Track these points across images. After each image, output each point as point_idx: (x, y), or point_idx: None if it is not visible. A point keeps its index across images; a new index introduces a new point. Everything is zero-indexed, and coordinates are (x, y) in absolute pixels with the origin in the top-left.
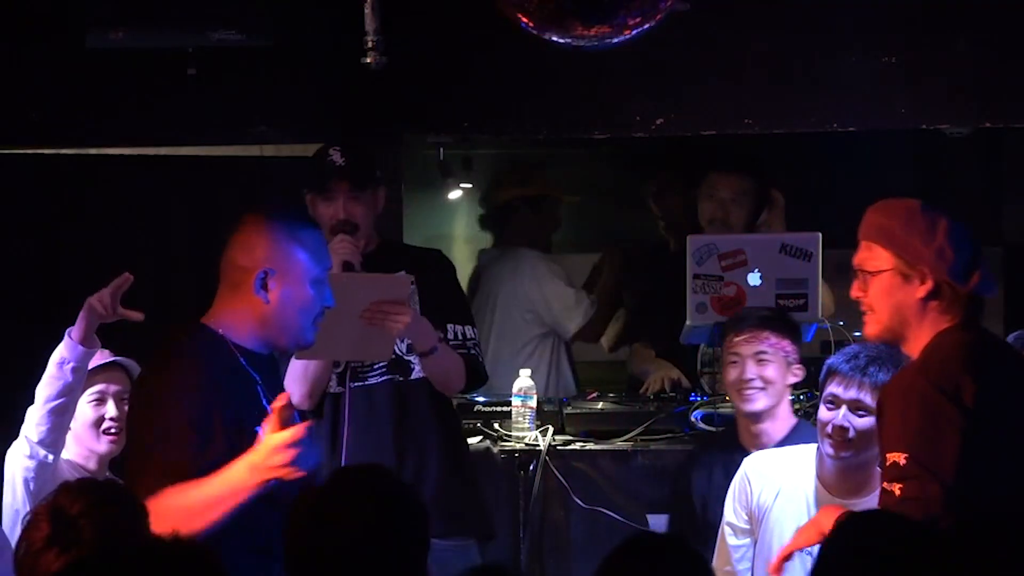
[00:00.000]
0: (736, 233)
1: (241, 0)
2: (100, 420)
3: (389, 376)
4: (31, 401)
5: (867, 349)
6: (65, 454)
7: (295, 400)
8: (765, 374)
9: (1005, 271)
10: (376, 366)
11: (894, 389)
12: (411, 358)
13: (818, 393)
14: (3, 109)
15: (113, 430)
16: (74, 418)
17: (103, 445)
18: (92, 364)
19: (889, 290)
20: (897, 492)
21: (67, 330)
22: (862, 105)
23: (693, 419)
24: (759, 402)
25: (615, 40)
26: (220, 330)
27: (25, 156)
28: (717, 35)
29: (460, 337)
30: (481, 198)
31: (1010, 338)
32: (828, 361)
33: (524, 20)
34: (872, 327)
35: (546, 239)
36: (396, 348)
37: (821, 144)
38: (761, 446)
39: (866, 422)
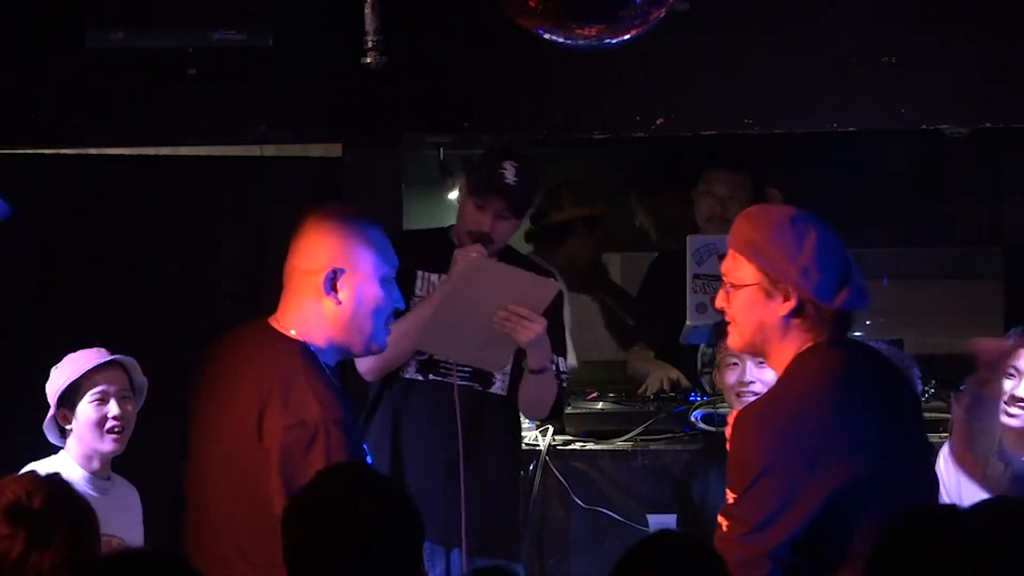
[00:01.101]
0: None
1: (241, 0)
2: (103, 419)
3: (470, 383)
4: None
5: None
6: (68, 455)
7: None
8: (765, 378)
9: (1005, 270)
10: (462, 368)
11: (742, 420)
12: (495, 374)
13: None
14: (2, 109)
15: (117, 428)
16: (76, 418)
17: (107, 444)
18: (91, 364)
19: (752, 305)
20: (724, 527)
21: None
22: (862, 105)
23: (693, 419)
24: None
25: (615, 40)
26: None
27: (25, 156)
28: (717, 35)
29: (557, 368)
30: (534, 215)
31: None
32: None
33: (526, 22)
34: (734, 340)
35: (597, 258)
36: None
37: (821, 144)
38: None
39: None
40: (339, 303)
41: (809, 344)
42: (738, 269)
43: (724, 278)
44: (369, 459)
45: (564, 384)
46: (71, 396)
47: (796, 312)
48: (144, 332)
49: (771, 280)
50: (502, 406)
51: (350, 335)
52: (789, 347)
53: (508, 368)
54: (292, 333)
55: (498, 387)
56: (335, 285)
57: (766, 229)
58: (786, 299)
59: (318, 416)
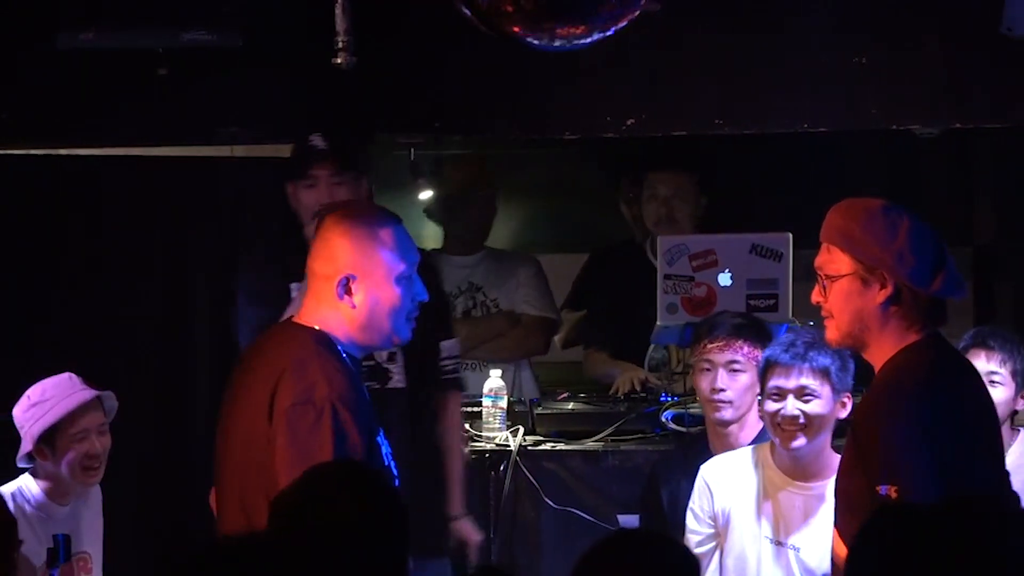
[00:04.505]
0: (684, 227)
1: (212, 0)
2: (85, 457)
3: (367, 383)
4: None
5: (801, 335)
6: (32, 478)
7: None
8: (736, 384)
9: (974, 272)
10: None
11: (873, 415)
12: (390, 367)
13: None
14: None
15: (96, 465)
16: (55, 456)
17: (86, 480)
18: (76, 403)
19: (849, 295)
20: None
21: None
22: (833, 106)
23: (664, 419)
24: (727, 412)
25: (587, 40)
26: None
27: None
28: (688, 35)
29: (450, 355)
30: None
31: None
32: (765, 354)
33: (506, 25)
34: (832, 333)
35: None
36: (376, 356)
37: (791, 145)
38: (730, 449)
39: (815, 406)
40: (354, 307)
41: (912, 336)
42: (833, 261)
43: (819, 272)
44: (386, 447)
45: (455, 374)
46: (50, 433)
47: (893, 299)
48: (111, 334)
49: (867, 268)
50: (404, 398)
51: (369, 335)
52: (889, 338)
53: (400, 361)
54: (316, 327)
55: (397, 380)
56: (349, 290)
57: (859, 218)
58: (882, 286)
59: (325, 394)
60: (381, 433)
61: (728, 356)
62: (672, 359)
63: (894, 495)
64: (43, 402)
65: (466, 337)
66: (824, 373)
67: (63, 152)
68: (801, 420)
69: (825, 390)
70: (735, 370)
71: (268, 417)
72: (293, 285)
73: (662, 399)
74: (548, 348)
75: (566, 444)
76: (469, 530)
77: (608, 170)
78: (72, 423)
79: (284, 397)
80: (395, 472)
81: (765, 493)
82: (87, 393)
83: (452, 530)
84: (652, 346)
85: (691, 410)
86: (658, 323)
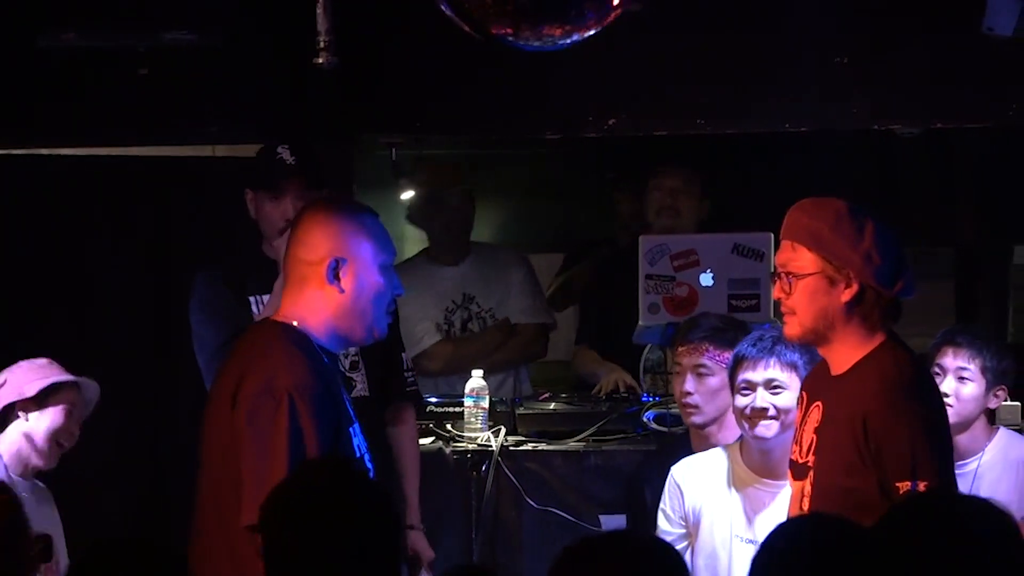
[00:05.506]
0: (686, 223)
1: (193, 0)
2: (60, 432)
3: None
4: None
5: (769, 331)
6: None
7: None
8: (703, 388)
9: (956, 271)
10: None
11: (890, 415)
12: (353, 375)
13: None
14: None
15: (63, 443)
16: (29, 430)
17: (45, 459)
18: (53, 379)
19: (814, 294)
20: None
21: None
22: (814, 105)
23: (645, 419)
24: (696, 416)
25: (569, 40)
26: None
27: None
28: (669, 35)
29: (409, 367)
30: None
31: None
32: (733, 351)
33: (488, 25)
34: (794, 329)
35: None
36: (340, 364)
37: (773, 144)
38: (710, 449)
39: (784, 399)
40: (342, 291)
41: (878, 335)
42: (797, 259)
43: (780, 269)
44: (358, 440)
45: (415, 386)
46: (30, 402)
47: (857, 299)
48: (97, 334)
49: (834, 267)
50: (369, 407)
51: (352, 322)
52: (850, 336)
53: (362, 369)
54: (291, 323)
55: (360, 389)
56: (337, 274)
57: (826, 218)
58: (847, 286)
59: (284, 384)
60: (355, 428)
61: (695, 360)
62: (667, 360)
63: (923, 490)
64: (30, 371)
65: (464, 354)
66: (792, 366)
67: (44, 152)
68: (771, 413)
69: (794, 383)
70: (701, 374)
71: (232, 406)
72: (251, 299)
73: (644, 399)
74: (546, 351)
75: (548, 444)
76: (423, 545)
77: (590, 170)
78: (57, 397)
79: (247, 386)
80: (369, 467)
81: (735, 491)
82: (59, 373)
83: (407, 539)
84: (648, 347)
85: (672, 410)
86: (640, 323)
